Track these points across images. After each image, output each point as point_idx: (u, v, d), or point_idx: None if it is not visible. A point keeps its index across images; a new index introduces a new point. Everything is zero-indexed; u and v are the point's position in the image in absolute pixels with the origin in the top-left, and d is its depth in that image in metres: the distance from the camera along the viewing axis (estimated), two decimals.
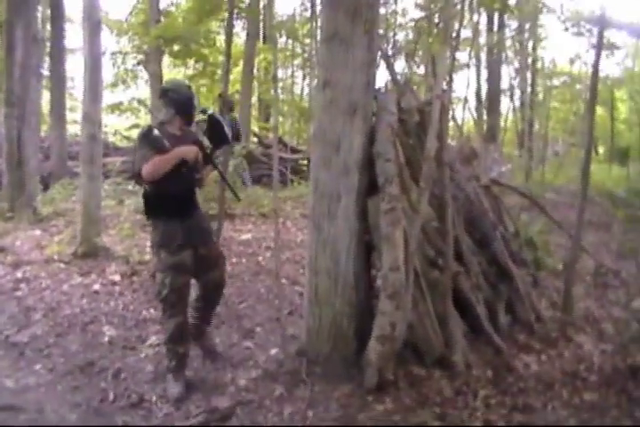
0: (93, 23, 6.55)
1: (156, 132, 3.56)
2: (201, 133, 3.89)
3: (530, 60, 18.05)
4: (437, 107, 3.56)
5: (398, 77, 4.06)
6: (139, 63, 19.27)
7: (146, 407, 3.51)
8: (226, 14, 17.63)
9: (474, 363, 3.75)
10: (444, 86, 3.86)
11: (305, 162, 14.84)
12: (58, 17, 12.38)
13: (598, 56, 4.52)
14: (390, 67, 4.00)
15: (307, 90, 22.20)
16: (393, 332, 3.41)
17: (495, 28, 18.06)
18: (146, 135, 3.57)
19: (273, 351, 4.15)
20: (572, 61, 17.29)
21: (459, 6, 10.51)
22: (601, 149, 30.66)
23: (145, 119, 21.59)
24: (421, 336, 3.68)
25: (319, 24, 3.94)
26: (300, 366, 3.79)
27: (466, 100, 16.11)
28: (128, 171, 11.73)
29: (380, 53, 3.87)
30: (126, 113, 20.20)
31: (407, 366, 3.66)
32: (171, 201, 3.63)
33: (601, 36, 4.71)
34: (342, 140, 3.61)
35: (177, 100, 3.66)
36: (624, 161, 22.27)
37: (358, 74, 3.59)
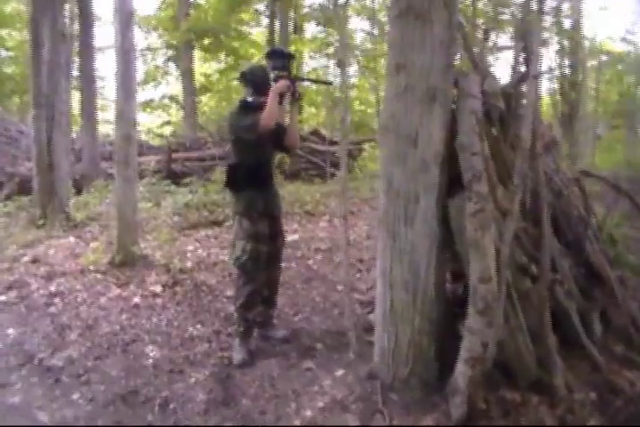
0: (125, 14, 6.10)
1: (249, 99, 4.13)
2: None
3: (570, 40, 17.20)
4: (534, 89, 3.00)
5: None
6: (169, 59, 18.96)
7: None
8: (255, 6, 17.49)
9: (573, 383, 3.21)
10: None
11: None
12: (86, 14, 12.05)
13: None
14: (468, 46, 3.42)
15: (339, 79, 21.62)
16: (484, 353, 2.94)
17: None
18: (243, 106, 4.12)
19: (339, 373, 3.64)
20: (624, 39, 16.47)
21: None
22: None
23: (176, 115, 21.37)
24: (514, 356, 3.18)
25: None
26: (373, 392, 3.32)
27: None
28: (163, 170, 11.42)
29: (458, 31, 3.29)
30: (157, 111, 19.98)
31: (498, 390, 3.13)
32: (253, 173, 4.10)
33: None
34: (420, 132, 3.09)
35: (253, 81, 4.14)
36: None
37: (437, 55, 3.05)
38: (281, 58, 4.17)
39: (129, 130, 6.22)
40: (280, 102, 4.02)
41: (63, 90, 8.99)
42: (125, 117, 6.20)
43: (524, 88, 3.28)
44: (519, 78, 3.34)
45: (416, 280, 3.20)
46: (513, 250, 3.20)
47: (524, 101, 3.25)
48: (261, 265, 4.08)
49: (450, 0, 3.05)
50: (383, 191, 3.31)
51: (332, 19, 17.24)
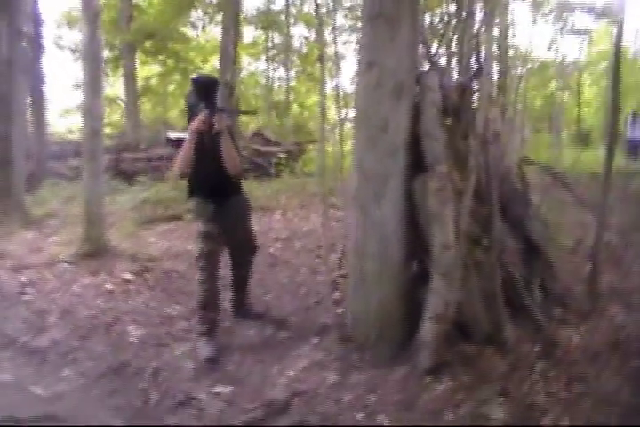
0: (92, 13, 6.27)
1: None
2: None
3: (498, 48, 18.11)
4: (487, 85, 3.51)
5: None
6: (109, 61, 18.86)
7: (195, 406, 3.35)
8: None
9: (520, 338, 3.71)
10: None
11: (283, 155, 14.74)
12: (35, 13, 11.94)
13: (619, 36, 4.53)
14: (427, 47, 3.93)
15: (278, 83, 22.07)
16: (447, 311, 3.39)
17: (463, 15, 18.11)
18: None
19: (314, 340, 4.04)
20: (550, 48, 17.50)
21: None
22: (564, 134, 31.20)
23: (112, 117, 21.28)
24: (469, 315, 3.64)
25: (362, 4, 3.82)
26: (347, 352, 3.72)
27: None
28: (111, 169, 11.53)
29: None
30: None
31: (457, 344, 3.60)
32: (196, 184, 4.15)
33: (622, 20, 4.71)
34: (389, 122, 3.53)
35: (186, 109, 4.23)
36: (587, 144, 22.78)
37: (404, 54, 3.51)
38: (202, 88, 3.96)
39: (96, 125, 6.39)
40: (200, 140, 3.86)
41: (19, 88, 9.04)
42: (92, 113, 6.37)
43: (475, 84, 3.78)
44: (472, 75, 3.85)
45: (385, 251, 3.63)
46: (467, 224, 3.70)
47: (476, 95, 3.76)
48: (214, 264, 4.09)
49: (415, 6, 3.53)
50: (356, 173, 3.73)
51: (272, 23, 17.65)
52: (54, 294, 5.34)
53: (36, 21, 12.00)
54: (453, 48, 5.01)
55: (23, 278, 5.76)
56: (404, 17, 3.48)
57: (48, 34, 27.10)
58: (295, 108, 22.61)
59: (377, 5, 3.52)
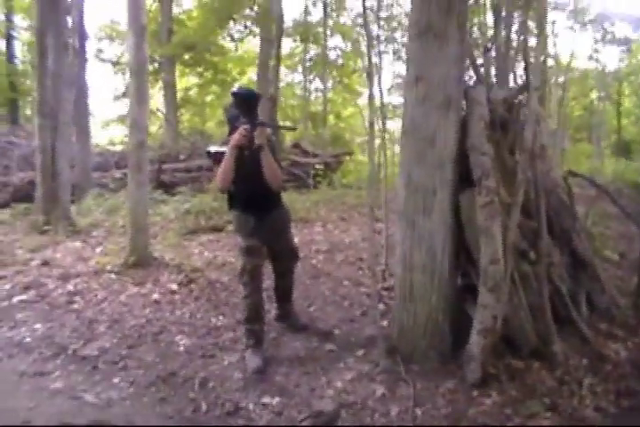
0: (139, 26, 6.42)
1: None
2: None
3: (539, 58, 17.97)
4: (535, 97, 3.53)
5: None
6: (150, 73, 19.24)
7: (244, 416, 3.40)
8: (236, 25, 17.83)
9: (567, 352, 3.73)
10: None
11: (321, 166, 14.79)
12: (79, 27, 12.13)
13: None
14: (474, 61, 3.97)
15: (314, 94, 22.23)
16: (495, 325, 3.42)
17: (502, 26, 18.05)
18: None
19: (359, 352, 4.09)
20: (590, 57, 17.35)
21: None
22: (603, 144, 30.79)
23: (155, 128, 21.57)
24: (516, 328, 3.67)
25: (409, 19, 3.86)
26: (395, 364, 3.76)
27: None
28: (152, 180, 11.71)
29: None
30: None
31: (504, 358, 3.63)
32: (238, 198, 4.16)
33: None
34: (437, 135, 3.58)
35: (227, 121, 4.24)
36: (627, 154, 22.48)
37: (452, 68, 3.57)
38: (242, 102, 3.95)
39: (141, 136, 6.50)
40: (240, 154, 3.88)
41: (65, 100, 9.23)
42: (138, 125, 6.48)
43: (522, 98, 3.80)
44: (520, 89, 3.87)
45: (433, 264, 3.67)
46: (515, 238, 3.71)
47: (525, 109, 3.77)
48: (257, 278, 4.08)
49: (462, 21, 3.58)
50: (404, 185, 3.77)
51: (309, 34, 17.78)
52: (102, 303, 5.44)
53: (81, 35, 12.18)
54: (493, 59, 5.02)
55: (71, 287, 5.90)
56: (452, 31, 3.53)
57: (90, 47, 27.74)
58: (331, 119, 22.75)
59: (426, 20, 3.57)
